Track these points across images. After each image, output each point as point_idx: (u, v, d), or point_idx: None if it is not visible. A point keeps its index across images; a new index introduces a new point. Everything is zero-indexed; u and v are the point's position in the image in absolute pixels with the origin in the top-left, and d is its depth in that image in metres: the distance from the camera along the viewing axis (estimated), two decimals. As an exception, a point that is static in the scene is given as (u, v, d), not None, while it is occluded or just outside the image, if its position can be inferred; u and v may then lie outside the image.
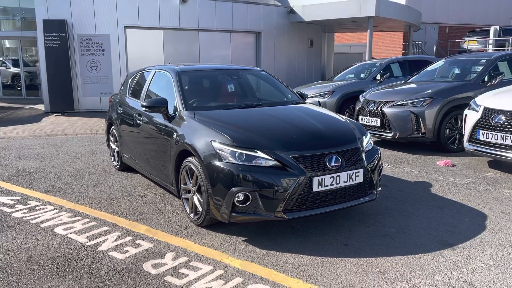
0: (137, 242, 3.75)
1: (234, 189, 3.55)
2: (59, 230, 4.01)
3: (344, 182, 3.76)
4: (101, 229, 4.03)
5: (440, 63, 8.60)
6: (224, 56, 15.39)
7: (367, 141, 4.23)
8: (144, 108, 4.56)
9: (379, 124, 7.35)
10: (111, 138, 6.41)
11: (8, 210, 4.56)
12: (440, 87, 7.23)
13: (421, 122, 6.92)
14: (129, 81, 6.18)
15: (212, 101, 4.81)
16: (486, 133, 5.69)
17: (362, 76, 10.22)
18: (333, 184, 3.70)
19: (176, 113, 4.47)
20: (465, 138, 6.10)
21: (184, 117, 4.31)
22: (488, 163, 6.40)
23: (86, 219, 4.28)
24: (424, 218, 4.26)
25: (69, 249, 3.59)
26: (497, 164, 6.29)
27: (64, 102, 13.12)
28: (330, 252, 3.54)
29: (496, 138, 5.56)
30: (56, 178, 5.84)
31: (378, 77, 9.62)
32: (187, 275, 3.15)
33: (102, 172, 6.22)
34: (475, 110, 5.96)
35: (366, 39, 15.37)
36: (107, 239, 3.81)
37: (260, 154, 3.62)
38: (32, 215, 4.39)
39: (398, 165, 6.40)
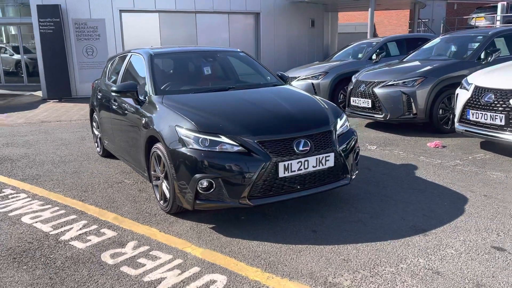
0: (101, 230, 3.67)
1: (197, 175, 3.43)
2: (26, 219, 3.95)
3: (313, 167, 3.62)
4: (68, 218, 3.96)
5: (436, 40, 8.30)
6: (223, 39, 15.15)
7: (342, 123, 4.07)
8: (114, 93, 4.44)
9: (370, 106, 7.14)
10: (94, 124, 6.33)
11: (-19, 199, 4.52)
12: (433, 66, 6.98)
13: (413, 103, 6.70)
14: (108, 65, 6.06)
15: (185, 85, 4.66)
16: (476, 112, 5.47)
17: (360, 56, 9.95)
18: (301, 169, 3.56)
19: (146, 97, 4.34)
20: (456, 118, 5.89)
21: (153, 102, 4.18)
22: (480, 144, 6.19)
23: (56, 208, 4.21)
24: (402, 203, 4.12)
25: (31, 239, 3.53)
26: (489, 145, 6.08)
27: (61, 88, 13.08)
28: (296, 239, 3.43)
29: (485, 118, 5.35)
30: (37, 166, 5.79)
31: (374, 56, 9.36)
32: (144, 265, 3.07)
33: (85, 158, 6.16)
34: (466, 89, 5.73)
35: (370, 18, 14.97)
36: (72, 227, 3.74)
37: (224, 139, 3.49)
38: (3, 204, 4.34)
39: (386, 148, 6.22)
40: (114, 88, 4.44)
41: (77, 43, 13.14)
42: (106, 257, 3.20)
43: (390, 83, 6.91)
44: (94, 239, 3.50)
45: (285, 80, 5.17)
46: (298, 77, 9.26)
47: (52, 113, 10.88)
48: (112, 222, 3.83)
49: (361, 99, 7.30)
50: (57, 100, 12.98)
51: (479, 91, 5.47)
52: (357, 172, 4.20)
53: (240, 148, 3.47)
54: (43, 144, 7.24)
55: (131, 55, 5.27)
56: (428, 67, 6.93)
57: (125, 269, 3.02)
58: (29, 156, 6.35)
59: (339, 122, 4.02)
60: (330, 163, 3.71)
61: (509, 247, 3.17)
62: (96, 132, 6.24)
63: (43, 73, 12.99)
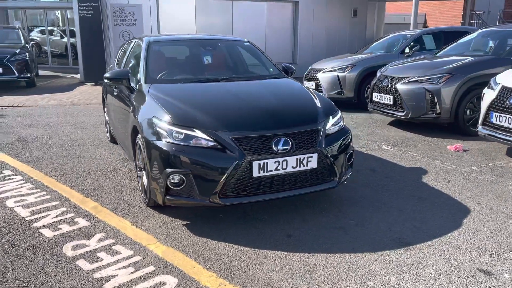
0: (76, 219, 3.63)
1: (168, 170, 3.30)
2: (10, 202, 3.99)
3: (293, 167, 3.39)
4: (50, 204, 3.95)
5: (474, 35, 7.67)
6: (259, 28, 14.89)
7: (335, 122, 3.79)
8: (105, 80, 4.38)
9: (391, 102, 6.72)
10: (105, 109, 6.36)
11: (-21, 179, 4.64)
12: (462, 62, 6.43)
13: (436, 101, 6.22)
14: (119, 51, 6.04)
15: (180, 74, 4.51)
16: (500, 115, 4.97)
17: (395, 49, 9.41)
18: (279, 170, 3.34)
19: (137, 85, 4.25)
20: (479, 121, 5.39)
21: (142, 91, 4.08)
22: (506, 150, 5.65)
23: (43, 193, 4.23)
24: (396, 211, 3.80)
25: (5, 223, 3.55)
26: (518, 151, 5.55)
27: (97, 72, 13.33)
28: (267, 243, 3.23)
29: (510, 122, 4.85)
30: (46, 148, 5.89)
31: (407, 50, 8.81)
32: (101, 260, 2.98)
33: (94, 143, 6.20)
34: (492, 89, 5.22)
35: (414, 8, 14.18)
36: (49, 214, 3.73)
37: (198, 133, 3.32)
38: (-4, 185, 4.43)
39: (402, 148, 5.82)
40: (106, 75, 4.38)
41: (114, 28, 13.36)
42: (67, 248, 3.14)
43: (413, 79, 6.45)
44: (65, 228, 3.47)
45: (289, 72, 4.92)
46: (324, 69, 8.90)
47: (85, 96, 11.15)
48: (90, 212, 3.79)
49: (383, 95, 6.89)
50: (93, 84, 13.29)
51: (506, 92, 4.96)
52: (350, 174, 3.92)
53: (214, 143, 3.30)
54: (63, 126, 7.39)
55: (135, 42, 5.20)
56: (456, 64, 6.40)
57: (80, 262, 2.95)
58: (43, 138, 6.48)
59: (330, 121, 3.75)
60: (313, 164, 3.45)
61: (498, 272, 2.81)
62: (107, 117, 6.27)
63: (81, 57, 13.34)
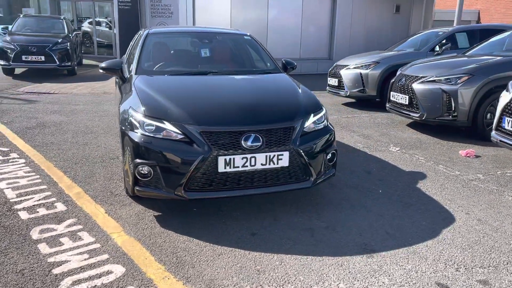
0: (55, 204, 3.76)
1: (137, 160, 3.33)
2: (3, 184, 4.18)
3: (262, 164, 3.32)
4: (38, 187, 4.11)
5: (508, 33, 7.17)
6: (295, 23, 14.70)
7: (315, 120, 3.68)
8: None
9: (407, 102, 6.43)
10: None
11: (-14, 160, 4.90)
12: (485, 62, 6.03)
13: (453, 103, 5.88)
14: (131, 42, 6.16)
15: (171, 66, 4.54)
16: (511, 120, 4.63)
17: (425, 47, 8.98)
18: (247, 166, 3.28)
19: (129, 76, 4.32)
20: (493, 126, 5.04)
21: (130, 81, 4.15)
22: (524, 158, 5.26)
23: (37, 176, 4.41)
24: (375, 215, 3.63)
25: (-10, 204, 3.73)
26: (536, 160, 5.14)
27: (133, 63, 13.76)
28: (228, 240, 3.19)
29: (521, 128, 4.50)
30: (59, 134, 6.13)
31: (437, 48, 8.39)
32: (62, 245, 3.07)
33: (105, 131, 6.39)
34: (509, 92, 4.86)
35: (459, 4, 13.49)
36: (33, 197, 3.88)
37: (168, 126, 3.33)
38: (-2, 167, 4.66)
39: (409, 151, 5.56)
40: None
41: (151, 20, 13.68)
42: (35, 231, 3.26)
43: (431, 78, 6.13)
44: (42, 212, 3.59)
45: (288, 68, 4.82)
46: (347, 65, 8.66)
47: (117, 85, 11.50)
48: (72, 197, 3.90)
49: (400, 95, 6.60)
50: (129, 74, 13.69)
51: (520, 95, 4.60)
52: (332, 175, 3.79)
53: (183, 136, 3.29)
54: (84, 114, 7.66)
55: (139, 34, 5.29)
56: (478, 64, 6.01)
57: (41, 246, 3.05)
58: (61, 124, 6.75)
59: (311, 119, 3.64)
60: (284, 162, 3.37)
61: (456, 287, 2.62)
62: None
63: (119, 47, 13.77)
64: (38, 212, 3.60)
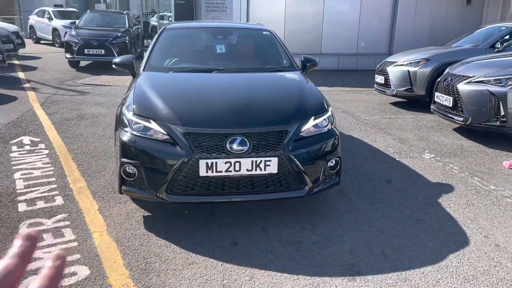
0: (55, 198, 3.81)
1: (123, 159, 3.27)
2: (18, 174, 4.33)
3: (248, 170, 3.11)
4: (47, 180, 4.21)
5: None
6: (351, 16, 14.04)
7: (316, 124, 3.39)
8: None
9: (451, 104, 5.83)
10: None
11: (15, 149, 5.11)
12: (544, 62, 5.30)
13: (502, 107, 5.23)
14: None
15: (181, 62, 4.43)
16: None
17: (484, 43, 8.16)
18: (230, 171, 3.09)
19: (138, 71, 4.29)
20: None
21: (136, 78, 4.10)
22: None
23: (52, 168, 4.52)
24: (376, 232, 3.28)
25: (-4, 194, 3.87)
26: None
27: (188, 56, 13.97)
28: (206, 248, 3.03)
29: None
30: (91, 126, 6.30)
31: (498, 44, 7.56)
32: (41, 241, 3.08)
33: (135, 125, 6.46)
34: None
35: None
36: (38, 190, 3.97)
37: (154, 125, 3.23)
38: (21, 157, 4.84)
39: (445, 159, 5.02)
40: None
41: (206, 14, 13.76)
42: (24, 225, 3.31)
43: (479, 79, 5.50)
44: (40, 205, 3.66)
45: (306, 65, 4.53)
46: (395, 62, 8.08)
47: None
48: (73, 191, 3.95)
49: (444, 96, 6.01)
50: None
51: None
52: (333, 184, 3.50)
53: (167, 137, 3.17)
54: (125, 107, 7.83)
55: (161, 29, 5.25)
56: (535, 63, 5.29)
57: (22, 240, 3.07)
58: (98, 117, 6.95)
59: (310, 122, 3.36)
60: (272, 169, 3.13)
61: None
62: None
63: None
64: (36, 205, 3.67)
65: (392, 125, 6.61)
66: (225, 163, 3.07)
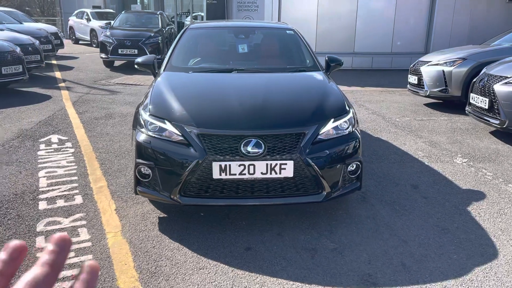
0: (75, 197, 3.85)
1: (138, 160, 3.25)
2: (42, 173, 4.41)
3: (262, 173, 3.01)
4: (69, 178, 4.26)
5: None
6: (387, 14, 13.66)
7: (336, 126, 3.26)
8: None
9: (486, 106, 5.53)
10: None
11: (43, 147, 5.23)
12: None
13: (542, 110, 4.90)
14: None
15: (202, 63, 4.39)
16: None
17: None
18: (244, 174, 3.01)
19: (159, 71, 4.28)
20: None
21: (156, 78, 4.09)
22: None
23: (75, 167, 4.58)
24: (398, 241, 3.12)
25: (20, 191, 3.93)
26: None
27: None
28: (217, 252, 2.96)
29: None
30: (119, 126, 6.37)
31: (542, 43, 7.13)
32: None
33: (161, 125, 6.49)
34: None
35: None
36: (60, 188, 4.02)
37: (168, 126, 3.19)
38: (47, 156, 4.93)
39: (478, 164, 4.75)
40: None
41: (238, 13, 13.74)
42: (42, 223, 3.35)
43: (517, 79, 5.18)
44: (59, 204, 3.70)
45: (330, 65, 4.38)
46: (430, 62, 7.76)
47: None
48: (93, 191, 3.97)
49: (479, 97, 5.70)
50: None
51: None
52: (354, 189, 3.35)
53: (182, 138, 3.12)
54: (153, 106, 7.90)
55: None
56: None
57: (39, 239, 3.11)
58: (126, 116, 7.02)
59: (329, 124, 3.23)
60: (288, 173, 3.03)
61: None
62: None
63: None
64: (56, 203, 3.71)
65: (424, 128, 6.35)
66: (239, 165, 2.99)
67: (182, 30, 4.61)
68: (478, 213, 3.55)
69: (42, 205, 3.66)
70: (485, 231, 3.25)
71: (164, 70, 4.16)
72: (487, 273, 2.71)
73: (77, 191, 3.97)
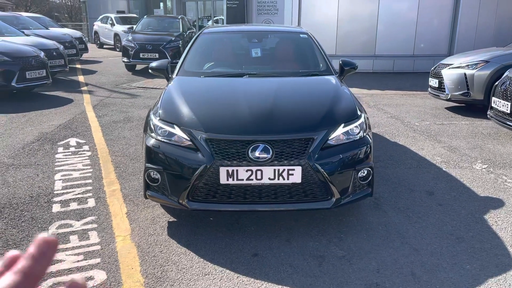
0: (88, 200, 3.90)
1: (147, 165, 3.28)
2: (58, 176, 4.49)
3: (270, 179, 2.99)
4: (84, 181, 4.33)
5: None
6: (409, 16, 13.42)
7: (346, 131, 3.21)
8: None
9: (508, 110, 5.36)
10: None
11: (61, 150, 5.33)
12: None
13: None
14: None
15: (214, 67, 4.39)
16: None
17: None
18: (251, 179, 2.99)
19: (171, 76, 4.30)
20: None
21: (169, 82, 4.12)
22: None
23: (91, 170, 4.65)
24: (409, 249, 3.04)
25: (35, 194, 4.01)
26: None
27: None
28: (224, 258, 2.95)
29: None
30: (136, 129, 6.44)
31: None
32: (68, 242, 3.15)
33: (178, 128, 6.54)
34: None
35: None
36: (74, 191, 4.09)
37: (177, 131, 3.20)
38: (64, 159, 5.02)
39: (498, 170, 4.60)
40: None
41: (257, 17, 13.78)
42: (54, 226, 3.40)
43: (541, 83, 5.01)
44: (72, 206, 3.75)
45: (344, 69, 4.33)
46: (451, 64, 7.58)
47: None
48: (106, 194, 4.02)
49: (501, 101, 5.53)
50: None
51: None
52: (365, 195, 3.29)
53: (190, 143, 3.13)
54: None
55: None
56: None
57: (50, 241, 3.15)
58: (144, 120, 7.08)
59: (339, 129, 3.18)
60: (296, 178, 2.99)
61: None
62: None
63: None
64: (69, 206, 3.77)
65: (444, 132, 6.20)
66: (246, 171, 2.97)
67: (196, 35, 4.64)
68: (495, 222, 3.43)
69: (56, 208, 3.72)
70: (501, 241, 3.14)
71: (176, 75, 4.18)
72: (500, 285, 2.62)
73: (90, 194, 4.02)
